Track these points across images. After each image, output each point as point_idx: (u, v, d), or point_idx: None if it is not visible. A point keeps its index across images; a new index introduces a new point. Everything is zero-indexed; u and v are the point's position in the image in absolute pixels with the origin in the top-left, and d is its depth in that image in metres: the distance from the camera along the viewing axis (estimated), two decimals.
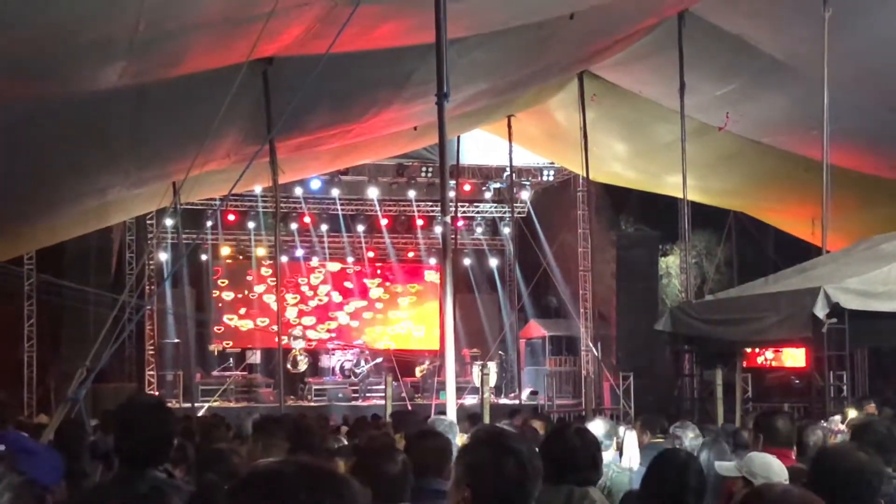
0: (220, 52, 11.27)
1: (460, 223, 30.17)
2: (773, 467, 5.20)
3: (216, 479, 3.89)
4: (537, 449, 3.85)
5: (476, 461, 3.44)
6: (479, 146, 27.58)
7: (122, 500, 4.04)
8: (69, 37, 8.90)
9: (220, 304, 30.22)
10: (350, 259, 31.40)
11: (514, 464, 3.35)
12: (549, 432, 5.93)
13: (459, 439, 6.53)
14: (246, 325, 30.02)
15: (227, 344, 29.28)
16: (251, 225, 29.28)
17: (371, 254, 31.53)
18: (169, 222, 25.32)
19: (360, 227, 30.63)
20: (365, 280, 31.82)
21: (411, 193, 29.54)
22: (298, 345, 28.56)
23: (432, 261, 31.33)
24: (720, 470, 5.97)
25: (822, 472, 4.37)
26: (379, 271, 32.03)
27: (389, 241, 31.37)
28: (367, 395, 27.25)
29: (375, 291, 31.96)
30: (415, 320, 32.16)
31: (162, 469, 4.26)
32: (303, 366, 28.07)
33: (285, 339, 25.58)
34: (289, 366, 27.42)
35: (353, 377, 28.14)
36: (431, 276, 31.85)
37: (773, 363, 18.28)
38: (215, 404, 24.74)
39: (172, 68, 11.13)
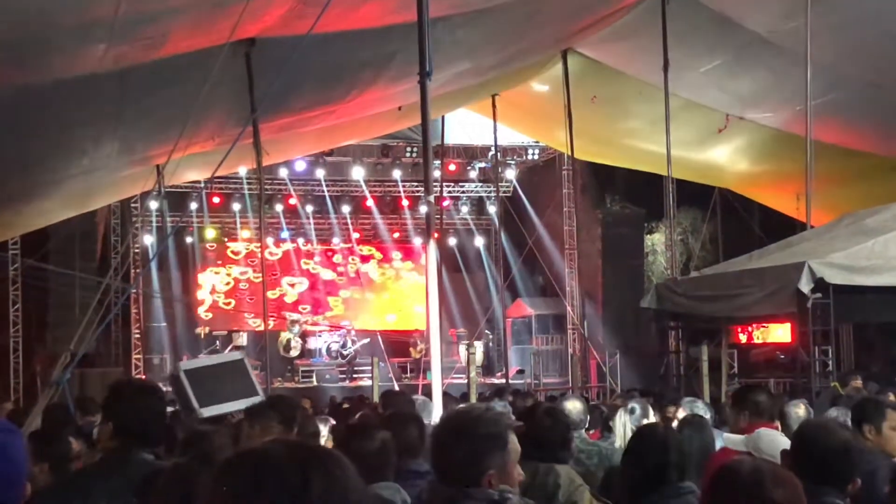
0: (202, 33, 11.22)
1: (446, 203, 30.16)
2: (780, 445, 5.21)
3: (191, 460, 3.87)
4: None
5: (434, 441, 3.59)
6: (464, 126, 27.56)
7: (108, 483, 4.04)
8: (50, 20, 8.86)
9: (207, 287, 30.17)
10: (336, 240, 31.36)
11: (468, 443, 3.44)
12: (519, 411, 5.98)
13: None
14: (232, 306, 29.98)
15: (205, 330, 29.21)
16: (236, 207, 29.20)
17: (357, 234, 31.49)
18: (154, 205, 25.26)
19: (346, 208, 30.57)
20: (351, 260, 31.79)
21: (396, 174, 29.49)
22: (295, 330, 28.48)
23: (418, 241, 31.30)
24: (727, 442, 6.03)
25: (806, 448, 4.39)
26: (365, 251, 31.99)
27: (377, 221, 31.33)
28: (354, 376, 27.28)
29: (362, 271, 31.93)
30: (401, 301, 32.16)
31: (150, 451, 4.26)
32: (295, 351, 28.03)
33: (271, 324, 25.50)
34: (281, 350, 27.45)
35: (340, 358, 28.13)
36: (417, 256, 31.84)
37: (759, 339, 18.32)
38: None
39: (154, 50, 11.08)
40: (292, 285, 31.12)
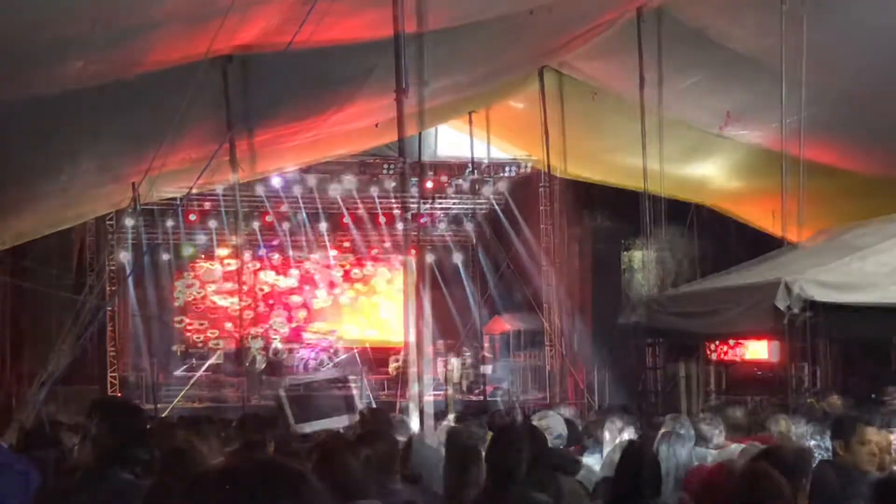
0: (179, 49, 11.19)
1: (424, 219, 30.15)
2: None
3: (169, 479, 3.86)
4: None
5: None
6: (443, 142, 27.56)
7: (87, 501, 4.00)
8: (26, 36, 8.81)
9: (183, 304, 30.08)
10: (314, 256, 31.30)
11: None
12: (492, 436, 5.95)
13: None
14: (208, 323, 29.90)
15: (182, 347, 29.12)
16: (213, 224, 29.12)
17: (335, 252, 31.44)
18: (129, 222, 25.16)
19: (324, 225, 30.52)
20: (329, 277, 31.74)
21: (374, 190, 29.48)
22: (256, 344, 28.46)
23: (397, 257, 31.27)
24: (698, 457, 6.05)
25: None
26: (344, 267, 31.95)
27: (355, 238, 31.29)
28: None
29: (340, 289, 31.89)
30: (379, 317, 32.13)
31: (129, 470, 4.23)
32: (261, 364, 27.96)
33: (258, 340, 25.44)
34: (247, 364, 27.40)
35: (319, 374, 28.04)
36: (396, 273, 31.81)
37: (737, 356, 18.35)
38: (179, 405, 24.64)
39: (131, 67, 11.04)
40: (267, 301, 31.05)
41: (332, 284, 31.83)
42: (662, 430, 7.04)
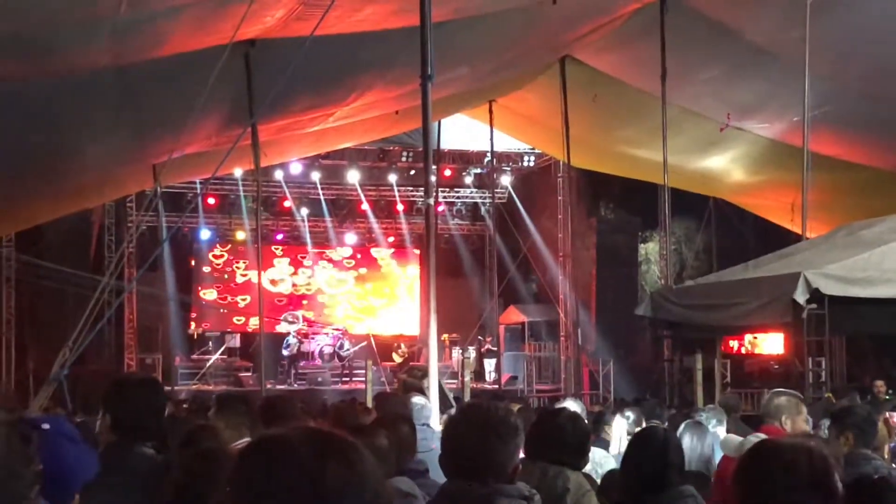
0: (203, 34, 11.24)
1: (441, 208, 30.16)
2: None
3: (198, 452, 3.89)
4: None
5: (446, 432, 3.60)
6: (460, 131, 27.56)
7: (108, 476, 4.04)
8: (52, 18, 8.86)
9: (200, 287, 30.15)
10: (331, 243, 31.34)
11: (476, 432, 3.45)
12: (542, 412, 5.98)
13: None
14: (227, 307, 29.96)
15: (198, 330, 29.23)
16: (232, 208, 29.23)
17: (352, 237, 31.47)
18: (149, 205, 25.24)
19: (341, 212, 30.59)
20: (345, 263, 31.77)
21: (392, 178, 29.55)
22: (293, 328, 28.62)
23: (413, 245, 31.33)
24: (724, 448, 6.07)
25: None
26: (360, 255, 31.97)
27: (371, 226, 31.32)
28: (348, 379, 27.29)
29: (355, 275, 31.91)
30: (394, 305, 32.14)
31: (150, 445, 4.27)
32: (294, 349, 28.06)
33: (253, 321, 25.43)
34: (283, 350, 27.50)
35: (336, 360, 28.08)
36: (411, 261, 31.82)
37: (753, 349, 18.35)
38: (194, 387, 24.77)
39: (154, 50, 11.09)
40: (285, 286, 31.10)
41: (345, 271, 31.82)
42: (686, 421, 7.05)
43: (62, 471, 3.41)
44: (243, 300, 29.84)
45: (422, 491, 4.44)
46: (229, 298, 30.16)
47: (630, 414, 8.84)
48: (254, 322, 25.40)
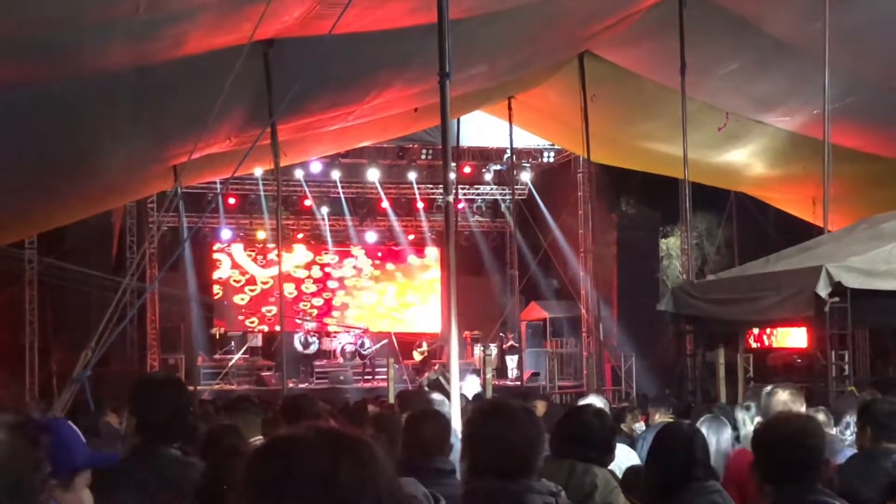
0: (221, 33, 11.25)
1: (461, 205, 30.18)
2: None
3: (226, 451, 3.91)
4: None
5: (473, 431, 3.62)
6: (479, 128, 27.58)
7: (135, 477, 4.05)
8: (71, 19, 8.89)
9: (222, 287, 30.23)
10: (351, 241, 31.39)
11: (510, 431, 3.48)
12: (568, 410, 5.97)
13: None
14: (247, 307, 30.05)
15: (220, 331, 29.31)
16: (252, 208, 29.33)
17: (373, 236, 31.52)
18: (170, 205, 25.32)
19: (362, 210, 30.64)
20: (366, 262, 31.80)
21: (412, 176, 29.59)
22: (309, 325, 28.74)
23: (433, 243, 31.36)
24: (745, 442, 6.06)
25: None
26: (380, 253, 32.00)
27: (392, 224, 31.37)
28: (370, 377, 27.34)
29: (376, 273, 31.94)
30: (415, 302, 32.16)
31: (176, 447, 4.28)
32: (313, 347, 28.15)
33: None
34: (300, 347, 27.58)
35: (357, 358, 28.16)
36: (432, 259, 31.84)
37: (776, 343, 18.26)
38: (217, 387, 24.87)
39: (173, 50, 11.11)
40: (306, 285, 31.15)
41: (366, 269, 31.86)
42: (705, 416, 7.02)
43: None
44: (265, 300, 29.93)
45: (446, 491, 4.41)
46: (249, 297, 30.24)
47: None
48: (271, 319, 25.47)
